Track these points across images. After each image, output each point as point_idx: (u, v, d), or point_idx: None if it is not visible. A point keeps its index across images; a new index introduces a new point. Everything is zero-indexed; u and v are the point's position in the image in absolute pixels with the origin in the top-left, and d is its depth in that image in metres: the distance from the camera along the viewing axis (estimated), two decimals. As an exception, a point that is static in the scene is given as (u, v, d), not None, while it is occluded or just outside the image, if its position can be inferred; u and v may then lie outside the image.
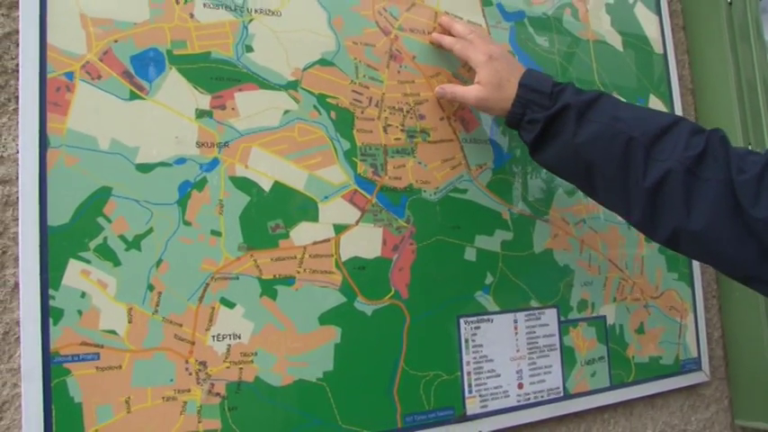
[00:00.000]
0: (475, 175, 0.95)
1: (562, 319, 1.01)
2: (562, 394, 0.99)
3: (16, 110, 0.70)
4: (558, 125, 0.82)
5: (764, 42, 1.20)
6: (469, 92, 0.89)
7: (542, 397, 0.97)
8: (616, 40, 1.15)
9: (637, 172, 0.77)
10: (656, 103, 1.17)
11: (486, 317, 0.93)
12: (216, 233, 0.77)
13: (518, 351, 0.96)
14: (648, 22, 1.20)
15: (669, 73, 1.20)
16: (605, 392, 1.03)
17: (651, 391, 1.09)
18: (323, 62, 0.86)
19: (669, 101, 1.19)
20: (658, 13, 1.21)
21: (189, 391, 0.74)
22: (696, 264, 1.20)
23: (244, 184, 0.79)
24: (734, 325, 1.21)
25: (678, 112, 1.20)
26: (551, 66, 1.06)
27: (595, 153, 0.80)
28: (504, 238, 0.96)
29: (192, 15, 0.79)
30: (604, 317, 1.06)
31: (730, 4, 1.19)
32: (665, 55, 1.20)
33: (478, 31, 0.94)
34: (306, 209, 0.82)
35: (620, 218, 1.05)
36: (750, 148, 1.17)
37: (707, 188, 0.73)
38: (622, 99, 0.87)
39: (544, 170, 1.00)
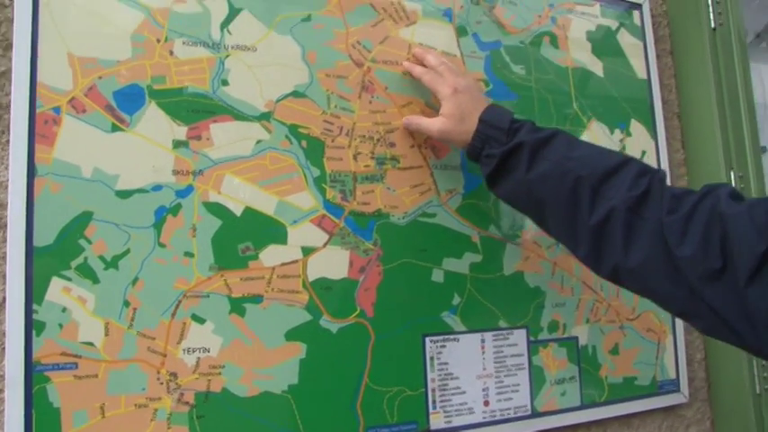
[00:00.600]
0: (444, 200, 1.00)
1: (532, 339, 1.04)
2: (530, 412, 1.02)
3: (8, 141, 0.78)
4: (512, 161, 0.86)
5: (748, 67, 1.21)
6: (433, 124, 0.93)
7: (509, 414, 1.00)
8: (597, 67, 1.17)
9: (583, 210, 0.81)
10: (637, 128, 1.20)
11: (452, 336, 0.97)
12: (189, 254, 0.83)
13: (484, 369, 0.99)
14: (632, 49, 1.22)
15: (652, 98, 1.22)
16: (576, 411, 1.06)
17: (625, 411, 1.11)
18: (296, 94, 0.92)
19: (652, 126, 1.21)
20: (642, 39, 1.24)
21: (160, 399, 0.80)
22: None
23: (216, 209, 0.85)
24: (716, 347, 1.22)
25: (662, 136, 1.22)
26: (527, 93, 1.09)
27: (546, 190, 0.83)
28: (472, 260, 1.00)
29: (171, 52, 0.86)
30: (576, 337, 1.09)
31: (714, 29, 1.21)
32: (648, 80, 1.22)
33: (450, 63, 0.97)
34: (275, 232, 0.88)
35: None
36: (733, 172, 1.18)
37: (645, 227, 0.76)
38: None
39: (516, 195, 1.04)
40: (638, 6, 1.25)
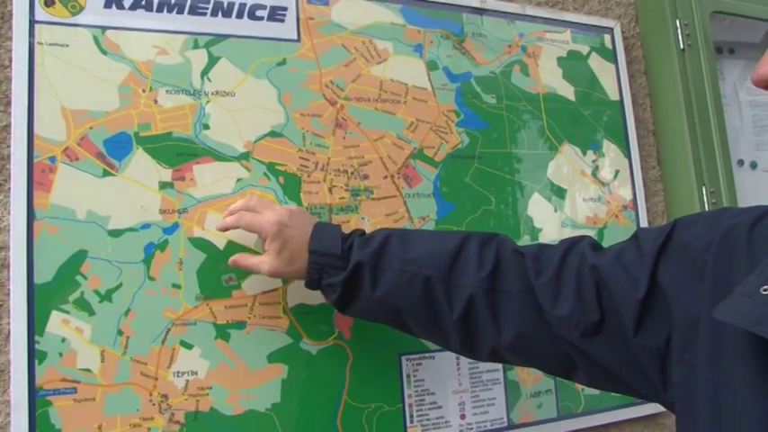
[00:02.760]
0: (417, 227, 1.06)
1: (507, 354, 1.10)
2: (506, 424, 1.08)
3: (9, 189, 0.87)
4: (356, 284, 0.83)
5: (718, 86, 1.25)
6: (262, 264, 0.88)
7: (486, 427, 1.06)
8: (568, 91, 1.23)
9: (443, 308, 0.79)
10: (610, 148, 1.25)
11: (427, 354, 1.04)
12: (176, 286, 0.91)
13: (460, 385, 1.05)
14: (603, 71, 1.27)
15: (625, 118, 1.27)
16: (553, 423, 1.11)
17: (603, 421, 1.16)
18: (273, 134, 0.99)
19: (625, 145, 1.26)
20: (614, 61, 1.29)
21: (152, 419, 0.88)
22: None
23: (201, 244, 0.93)
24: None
25: (635, 154, 1.26)
26: (498, 120, 1.15)
27: (398, 300, 0.81)
28: (446, 281, 1.06)
29: (155, 101, 0.94)
30: (552, 352, 1.14)
31: (684, 50, 1.25)
32: (620, 101, 1.27)
33: (256, 198, 0.92)
34: (256, 263, 0.96)
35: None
36: (705, 188, 1.22)
37: (508, 302, 0.76)
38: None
39: (488, 219, 1.10)
40: (610, 30, 1.30)
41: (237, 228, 0.90)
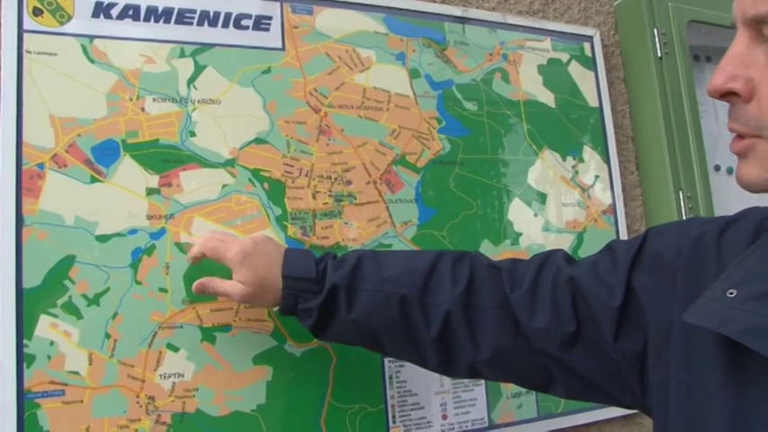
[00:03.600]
0: (400, 232, 1.08)
1: (488, 355, 1.12)
2: (487, 424, 1.10)
3: (-2, 196, 0.88)
4: (331, 307, 0.83)
5: (694, 92, 1.28)
6: (233, 289, 0.87)
7: (467, 427, 1.08)
8: (548, 98, 1.25)
9: (420, 326, 0.80)
10: (590, 154, 1.27)
11: (409, 356, 1.06)
12: (163, 290, 0.93)
13: (442, 386, 1.08)
14: (583, 78, 1.30)
15: (604, 125, 1.30)
16: (533, 423, 1.14)
17: (582, 421, 1.18)
18: (258, 141, 1.01)
19: (604, 151, 1.29)
20: (594, 68, 1.31)
21: (139, 420, 0.90)
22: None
23: (187, 250, 0.95)
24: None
25: (614, 160, 1.29)
26: (479, 127, 1.18)
27: (375, 322, 0.82)
28: (428, 285, 1.09)
29: (143, 109, 0.96)
30: (532, 353, 1.16)
31: (661, 58, 1.28)
32: (600, 108, 1.30)
33: (221, 232, 0.95)
34: (241, 267, 0.97)
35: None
36: (681, 192, 1.25)
37: (485, 317, 0.77)
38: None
39: (469, 224, 1.13)
40: (589, 38, 1.33)
41: (203, 256, 0.90)
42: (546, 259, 0.78)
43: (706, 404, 0.56)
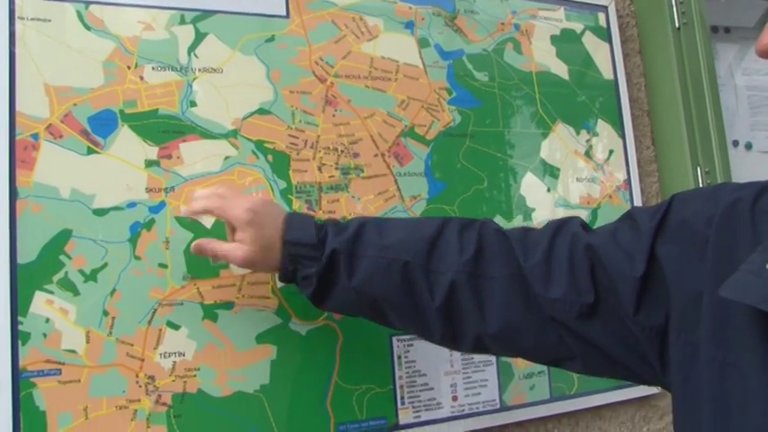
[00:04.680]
0: (409, 206, 1.04)
1: (499, 335, 1.08)
2: (498, 406, 1.06)
3: (-9, 167, 0.85)
4: (332, 274, 0.79)
5: (713, 65, 1.24)
6: (235, 252, 0.82)
7: (477, 408, 1.05)
8: (562, 70, 1.21)
9: (423, 294, 0.76)
10: (604, 128, 1.23)
11: (419, 335, 1.03)
12: (163, 266, 0.90)
13: (452, 366, 1.04)
14: (597, 50, 1.26)
15: (619, 98, 1.25)
16: (546, 404, 1.10)
17: (597, 403, 1.15)
18: (261, 111, 0.98)
19: (619, 125, 1.25)
20: (609, 40, 1.27)
21: (139, 401, 0.86)
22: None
23: (188, 223, 0.91)
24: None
25: (629, 134, 1.25)
26: (491, 99, 1.14)
27: (376, 289, 0.78)
28: (438, 262, 1.05)
29: (141, 78, 0.92)
30: (545, 333, 1.13)
31: (679, 29, 1.24)
32: (615, 80, 1.26)
33: (226, 187, 0.90)
34: (244, 242, 0.94)
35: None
36: (699, 168, 1.21)
37: (494, 287, 0.73)
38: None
39: (481, 198, 1.09)
40: (604, 8, 1.28)
41: (207, 213, 0.85)
42: (561, 226, 0.74)
43: (743, 384, 0.52)
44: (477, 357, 1.06)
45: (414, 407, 1.01)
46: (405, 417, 1.00)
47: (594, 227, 0.75)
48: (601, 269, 0.68)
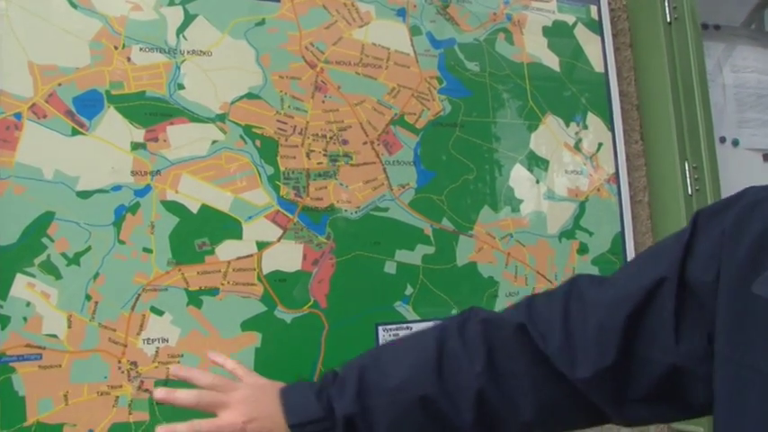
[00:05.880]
0: (397, 195, 1.04)
1: (485, 326, 1.08)
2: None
3: (-28, 146, 0.83)
4: None
5: (703, 60, 1.24)
6: None
7: (462, 398, 1.05)
8: (553, 62, 1.20)
9: (453, 418, 0.71)
10: (594, 121, 1.23)
11: (404, 325, 1.02)
12: (147, 250, 0.88)
13: (437, 356, 1.04)
14: (589, 43, 1.25)
15: (609, 91, 1.25)
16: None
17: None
18: (250, 96, 0.96)
19: (609, 118, 1.24)
20: (600, 33, 1.26)
21: (121, 387, 0.85)
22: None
23: (173, 207, 0.90)
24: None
25: (619, 127, 1.24)
26: (481, 89, 1.13)
27: (403, 430, 0.72)
28: (425, 252, 1.04)
29: (129, 59, 0.90)
30: (530, 324, 1.12)
31: (670, 23, 1.24)
32: (606, 74, 1.25)
33: (224, 382, 0.78)
34: (230, 228, 0.93)
35: (550, 230, 1.13)
36: (687, 163, 1.21)
37: (520, 382, 0.69)
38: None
39: (469, 188, 1.08)
40: (596, 1, 1.27)
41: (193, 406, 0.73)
42: (571, 292, 0.70)
43: (762, 386, 0.51)
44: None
45: (398, 396, 1.00)
46: (389, 406, 1.00)
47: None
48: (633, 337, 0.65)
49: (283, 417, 0.72)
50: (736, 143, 1.37)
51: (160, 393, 0.72)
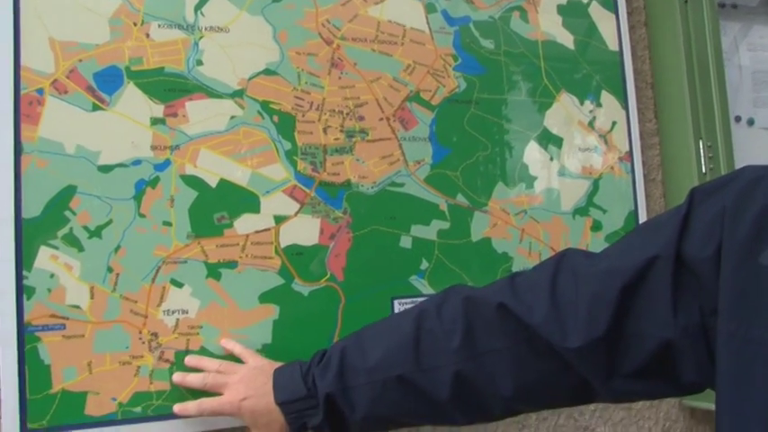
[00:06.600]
0: (413, 170, 1.04)
1: (499, 301, 1.09)
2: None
3: (-4, 121, 0.85)
4: (337, 415, 0.78)
5: (719, 39, 1.23)
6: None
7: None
8: (567, 40, 1.20)
9: (430, 396, 0.74)
10: (608, 99, 1.22)
11: (420, 299, 1.03)
12: (167, 223, 0.90)
13: (452, 330, 1.05)
14: (604, 21, 1.25)
15: (624, 69, 1.25)
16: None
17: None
18: (267, 72, 0.97)
19: (623, 97, 1.24)
20: (615, 11, 1.26)
21: (142, 357, 0.87)
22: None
23: (192, 182, 0.92)
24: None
25: (633, 107, 1.24)
26: (496, 66, 1.13)
27: (383, 410, 0.77)
28: (440, 227, 1.05)
29: (147, 35, 0.91)
30: (544, 300, 1.13)
31: (686, 2, 1.23)
32: (620, 52, 1.25)
33: (227, 366, 0.87)
34: (248, 202, 0.94)
35: (564, 207, 1.13)
36: (701, 141, 1.21)
37: (501, 358, 0.70)
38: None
39: (484, 165, 1.09)
40: (611, -21, 1.27)
41: (201, 387, 0.85)
42: (561, 261, 0.71)
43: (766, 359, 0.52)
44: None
45: (413, 370, 1.02)
46: (404, 379, 1.01)
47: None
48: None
49: (272, 394, 0.80)
50: (751, 122, 1.37)
51: (177, 377, 0.87)
